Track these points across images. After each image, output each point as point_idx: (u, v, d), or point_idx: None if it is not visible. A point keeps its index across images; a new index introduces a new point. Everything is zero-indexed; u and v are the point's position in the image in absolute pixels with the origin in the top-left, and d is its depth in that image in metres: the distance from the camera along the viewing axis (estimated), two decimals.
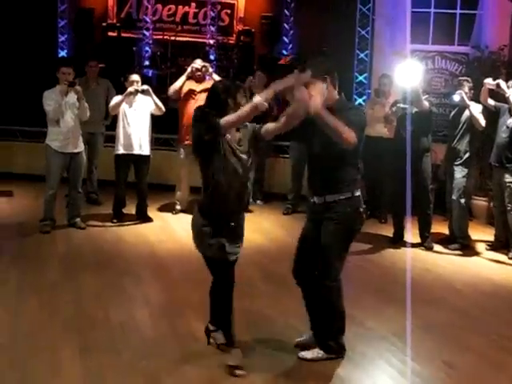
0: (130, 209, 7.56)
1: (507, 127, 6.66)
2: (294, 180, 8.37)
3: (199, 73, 7.68)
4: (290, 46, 12.82)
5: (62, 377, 3.74)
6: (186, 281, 5.53)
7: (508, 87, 6.60)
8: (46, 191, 6.81)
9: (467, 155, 6.87)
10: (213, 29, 12.88)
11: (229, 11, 13.28)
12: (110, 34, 12.68)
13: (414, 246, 6.94)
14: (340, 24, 10.48)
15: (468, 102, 6.75)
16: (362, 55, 9.96)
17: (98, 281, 5.41)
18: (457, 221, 7.01)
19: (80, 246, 6.45)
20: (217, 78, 7.77)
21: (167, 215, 7.84)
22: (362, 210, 4.00)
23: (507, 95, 6.56)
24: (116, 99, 7.21)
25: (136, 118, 7.21)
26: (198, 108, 3.95)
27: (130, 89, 7.11)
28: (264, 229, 7.46)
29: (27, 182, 8.73)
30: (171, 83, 8.09)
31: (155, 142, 8.98)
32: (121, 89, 7.41)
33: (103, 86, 8.20)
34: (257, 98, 3.73)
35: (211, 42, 12.78)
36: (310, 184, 4.13)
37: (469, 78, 7.05)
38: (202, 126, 3.76)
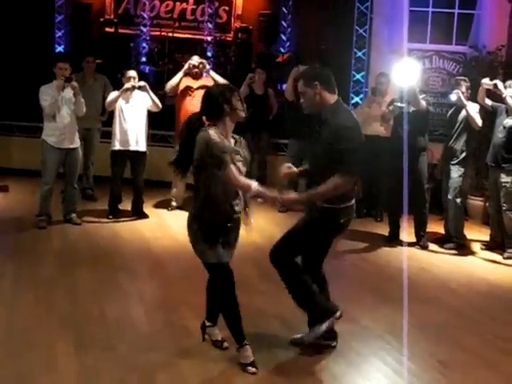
0: (126, 205, 7.54)
1: (504, 127, 6.68)
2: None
3: (196, 69, 7.67)
4: (288, 43, 12.81)
5: (57, 372, 3.74)
6: (182, 277, 5.53)
7: (505, 87, 6.61)
8: (41, 186, 6.80)
9: (464, 155, 6.88)
10: (210, 26, 12.87)
11: (227, 8, 13.27)
12: (108, 29, 12.67)
13: (409, 244, 6.93)
14: (338, 22, 10.48)
15: (465, 101, 6.76)
16: (359, 54, 9.95)
17: (94, 276, 5.40)
18: (452, 220, 7.02)
19: (76, 241, 6.45)
20: (214, 74, 7.77)
21: (163, 212, 7.84)
22: (342, 221, 3.99)
23: (504, 96, 6.57)
24: (113, 95, 7.19)
25: (132, 114, 7.19)
26: (196, 118, 3.85)
27: (127, 85, 7.10)
28: (259, 226, 7.44)
29: (23, 177, 8.71)
30: (168, 80, 8.07)
31: (152, 139, 8.97)
32: (117, 85, 7.39)
33: (100, 82, 8.17)
34: (255, 186, 3.74)
35: (209, 38, 12.77)
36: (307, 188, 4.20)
37: (466, 78, 7.05)
38: (206, 154, 3.65)
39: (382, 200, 8.02)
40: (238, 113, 3.83)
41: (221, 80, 7.64)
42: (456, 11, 9.43)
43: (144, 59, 12.63)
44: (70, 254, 6.05)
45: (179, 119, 7.65)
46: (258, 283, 5.44)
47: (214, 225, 3.81)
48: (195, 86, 7.61)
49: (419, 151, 6.82)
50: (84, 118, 7.06)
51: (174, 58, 11.88)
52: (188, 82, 7.67)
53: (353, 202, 4.07)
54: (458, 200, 6.91)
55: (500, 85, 6.62)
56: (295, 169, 4.22)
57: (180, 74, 7.70)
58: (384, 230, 7.36)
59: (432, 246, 7.02)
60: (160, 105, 7.32)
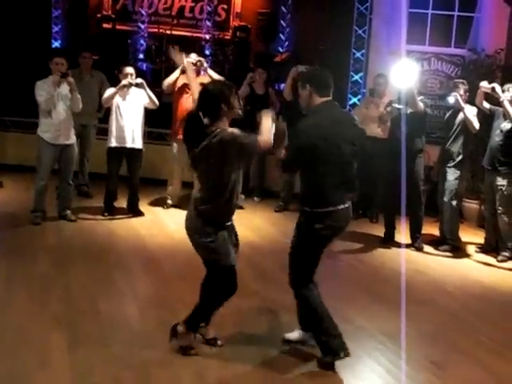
0: (122, 202, 7.52)
1: (501, 131, 6.68)
2: (286, 178, 8.36)
3: (194, 67, 7.63)
4: (286, 43, 12.79)
5: (50, 369, 3.72)
6: (177, 275, 5.52)
7: (503, 91, 6.62)
8: (36, 182, 6.77)
9: (460, 157, 6.88)
10: (209, 24, 12.85)
11: (225, 6, 13.26)
12: (105, 25, 12.63)
13: (404, 246, 6.94)
14: (337, 22, 10.47)
15: (463, 104, 6.76)
16: (358, 54, 9.94)
17: (89, 274, 5.38)
18: (448, 222, 7.02)
19: (70, 238, 6.42)
20: (211, 73, 7.75)
21: (158, 209, 7.82)
22: (317, 227, 3.93)
23: (501, 99, 6.57)
24: (109, 91, 7.16)
25: (129, 111, 7.16)
26: (194, 115, 3.82)
27: (124, 81, 7.07)
28: (255, 226, 7.45)
29: (18, 173, 8.67)
30: (165, 77, 8.05)
31: (148, 136, 8.94)
32: (114, 81, 7.36)
33: (97, 78, 8.14)
34: (263, 137, 3.76)
35: (207, 36, 12.75)
36: None
37: (464, 81, 7.05)
38: (235, 151, 3.69)
39: (377, 201, 8.02)
40: (234, 111, 3.83)
41: (218, 78, 7.62)
42: (455, 14, 9.44)
43: (141, 56, 12.60)
44: (65, 250, 6.02)
45: (176, 117, 7.63)
46: (253, 282, 5.43)
47: (224, 223, 3.84)
48: None
49: (416, 153, 6.82)
50: (80, 114, 7.02)
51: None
52: (185, 79, 7.63)
53: (334, 208, 3.94)
54: (454, 202, 6.91)
55: (498, 88, 6.62)
56: None
57: (177, 72, 7.67)
58: (379, 231, 7.36)
59: (427, 248, 7.03)
60: (157, 102, 7.30)
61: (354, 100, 9.97)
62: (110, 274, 5.40)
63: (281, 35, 12.78)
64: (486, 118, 7.00)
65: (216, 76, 7.68)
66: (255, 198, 8.71)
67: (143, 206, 7.66)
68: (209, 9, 12.86)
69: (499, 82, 7.05)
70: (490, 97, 6.82)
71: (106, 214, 7.28)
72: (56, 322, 4.36)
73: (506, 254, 6.77)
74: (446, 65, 9.43)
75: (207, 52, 12.35)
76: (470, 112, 6.75)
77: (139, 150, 7.28)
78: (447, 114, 7.13)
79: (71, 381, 3.63)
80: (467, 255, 6.98)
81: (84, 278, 5.29)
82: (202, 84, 7.50)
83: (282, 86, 9.43)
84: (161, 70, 11.36)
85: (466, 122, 6.76)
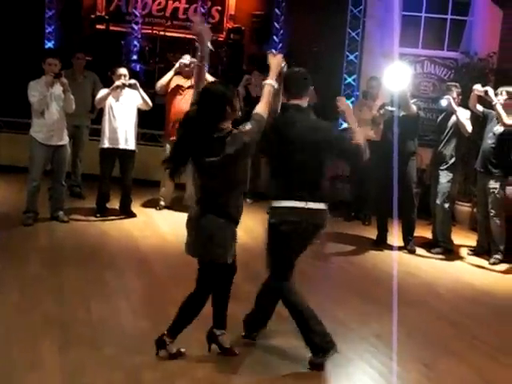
0: (114, 204, 7.50)
1: (494, 134, 6.71)
2: None
3: (187, 68, 7.64)
4: (280, 45, 12.77)
5: (41, 370, 3.70)
6: (169, 276, 5.50)
7: (496, 95, 6.64)
8: (28, 183, 6.74)
9: (453, 160, 6.90)
10: None
11: (219, 8, 13.25)
12: (99, 26, 12.60)
13: (397, 248, 6.95)
14: (331, 25, 10.47)
15: (455, 107, 6.78)
16: (351, 57, 9.96)
17: (81, 275, 5.36)
18: (440, 225, 7.04)
19: (63, 239, 6.40)
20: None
21: (151, 211, 7.80)
22: (272, 221, 4.04)
23: (494, 103, 6.60)
24: (103, 92, 7.15)
25: (122, 112, 7.15)
26: (192, 117, 3.73)
27: (117, 82, 7.06)
28: (248, 227, 7.41)
29: (11, 174, 8.63)
30: (159, 78, 8.04)
31: (141, 138, 8.92)
32: (108, 82, 7.35)
33: (90, 79, 8.12)
34: (268, 81, 3.78)
35: None
36: None
37: (457, 84, 7.08)
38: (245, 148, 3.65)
39: (370, 203, 8.03)
40: (236, 113, 3.79)
41: (212, 80, 7.61)
42: (449, 17, 9.48)
43: (135, 57, 12.57)
44: (57, 251, 6.00)
45: (169, 118, 7.63)
46: (245, 284, 5.41)
47: (238, 220, 3.85)
48: (186, 86, 7.59)
49: (408, 156, 6.84)
50: (73, 115, 7.00)
51: (165, 56, 11.83)
52: (179, 81, 7.64)
53: (287, 203, 3.98)
54: (446, 205, 6.93)
55: (491, 92, 6.65)
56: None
57: (171, 73, 7.67)
58: (372, 233, 7.37)
59: (419, 251, 7.04)
60: (150, 103, 7.29)
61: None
62: (102, 275, 5.39)
63: (274, 37, 12.76)
64: (479, 121, 7.02)
65: (210, 77, 7.66)
66: (248, 200, 8.69)
67: (136, 208, 7.64)
68: (203, 10, 12.84)
69: (492, 86, 7.07)
70: (483, 100, 6.84)
71: (98, 215, 7.26)
72: (47, 323, 4.34)
73: (498, 256, 6.79)
74: (439, 68, 9.46)
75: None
76: (463, 115, 6.77)
77: (132, 151, 7.26)
78: (440, 117, 7.14)
79: (62, 382, 3.61)
80: (459, 258, 6.99)
81: (76, 279, 5.27)
82: (193, 86, 7.64)
83: None
84: (154, 71, 11.35)
85: (458, 124, 6.78)
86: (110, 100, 7.11)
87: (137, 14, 12.71)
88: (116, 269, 5.63)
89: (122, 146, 7.15)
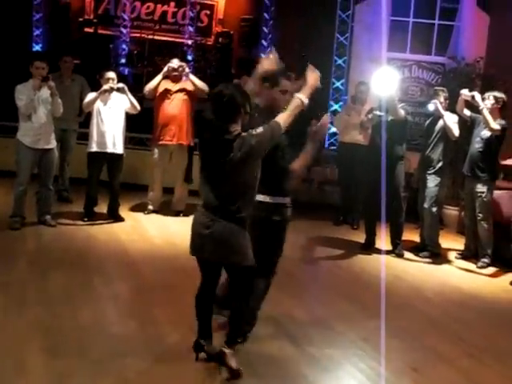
0: (102, 208, 7.47)
1: (481, 138, 6.74)
2: None
3: (176, 72, 7.63)
4: (269, 49, 12.79)
5: (27, 376, 3.66)
6: (156, 281, 5.48)
7: (483, 99, 6.68)
8: (15, 187, 6.69)
9: (440, 164, 6.93)
10: (191, 29, 12.83)
11: (208, 12, 13.25)
12: (87, 29, 12.54)
13: (385, 252, 6.97)
14: (319, 29, 10.52)
15: (442, 111, 6.81)
16: (339, 61, 10.01)
17: (68, 279, 5.32)
18: (428, 229, 7.07)
19: (50, 243, 6.36)
20: (193, 78, 7.73)
21: (139, 215, 7.77)
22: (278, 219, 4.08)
23: (481, 108, 6.63)
24: (90, 96, 7.12)
25: (110, 115, 7.12)
26: (209, 119, 3.70)
27: (105, 86, 7.03)
28: None
29: None
30: (147, 82, 8.02)
31: (129, 141, 8.90)
32: (96, 86, 7.32)
33: (77, 83, 8.09)
34: (300, 95, 3.75)
35: (189, 42, 12.72)
36: None
37: (444, 88, 7.12)
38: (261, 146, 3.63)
39: (358, 207, 8.05)
40: (246, 117, 3.77)
41: (200, 84, 7.62)
42: (436, 22, 9.55)
43: (123, 61, 12.52)
44: (44, 255, 5.96)
45: (157, 122, 7.61)
46: None
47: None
48: (174, 90, 7.58)
49: (396, 160, 6.86)
50: (61, 118, 6.97)
51: (153, 60, 11.81)
52: (167, 84, 7.63)
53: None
54: (434, 209, 6.96)
55: (478, 96, 6.68)
56: None
57: (159, 77, 7.66)
58: (360, 237, 7.39)
59: (407, 255, 7.07)
60: (138, 107, 7.27)
61: (336, 107, 10.03)
62: (89, 280, 5.35)
63: (263, 41, 12.79)
64: (466, 126, 7.06)
65: (198, 82, 7.67)
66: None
67: (124, 212, 7.61)
68: (191, 14, 12.84)
69: (479, 90, 7.12)
70: (471, 104, 6.88)
71: (86, 220, 7.22)
72: (34, 327, 4.30)
73: (486, 260, 6.82)
74: (427, 72, 9.52)
75: (189, 57, 12.32)
76: (450, 119, 6.81)
77: (120, 155, 7.24)
78: (427, 122, 7.18)
79: None
80: (447, 261, 7.02)
81: (63, 283, 5.23)
82: (183, 90, 7.64)
83: None
84: (142, 75, 11.33)
85: (445, 129, 6.82)
86: (98, 104, 7.08)
87: (125, 17, 12.67)
88: (103, 273, 5.60)
89: (109, 149, 7.12)
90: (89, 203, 7.31)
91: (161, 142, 7.60)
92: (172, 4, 13.09)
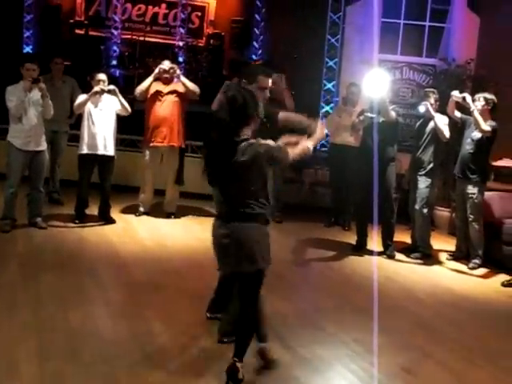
0: (93, 210, 7.44)
1: (472, 140, 6.76)
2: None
3: (167, 74, 7.61)
4: (260, 51, 12.82)
5: (18, 378, 3.65)
6: (148, 283, 5.46)
7: (474, 101, 6.70)
8: (5, 189, 6.66)
9: (431, 166, 6.95)
10: (182, 31, 12.82)
11: (199, 14, 13.28)
12: (78, 31, 12.54)
13: (376, 254, 6.98)
14: (310, 31, 10.53)
15: (433, 113, 6.83)
16: (331, 63, 10.02)
17: (59, 282, 5.30)
18: (419, 230, 7.08)
19: (40, 246, 6.32)
20: (185, 80, 7.71)
21: (130, 217, 7.74)
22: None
23: (472, 109, 6.65)
24: (81, 98, 7.10)
25: (101, 117, 7.10)
26: (222, 121, 3.72)
27: (96, 88, 7.01)
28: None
29: None
30: (138, 84, 8.00)
31: (120, 143, 8.88)
32: (87, 87, 7.30)
33: (68, 84, 8.05)
34: (309, 143, 3.90)
35: (180, 43, 12.72)
36: None
37: (435, 90, 7.13)
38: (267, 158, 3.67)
39: (350, 209, 8.06)
40: (257, 120, 3.81)
41: (191, 86, 7.61)
42: (427, 24, 9.57)
43: (114, 62, 12.52)
44: (35, 258, 5.93)
45: (148, 124, 7.59)
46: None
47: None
48: (165, 91, 7.56)
49: (388, 161, 6.87)
50: (51, 120, 6.94)
51: (144, 62, 11.80)
52: (158, 86, 7.61)
53: None
54: (425, 210, 6.97)
55: (468, 98, 6.70)
56: None
57: (150, 79, 7.64)
58: (352, 238, 7.39)
59: (399, 256, 7.08)
60: (129, 109, 7.25)
61: (327, 108, 10.04)
62: (80, 282, 5.33)
63: (254, 43, 12.80)
64: (457, 127, 7.09)
65: (189, 83, 7.65)
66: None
67: (115, 214, 7.58)
68: (182, 16, 12.84)
69: (469, 92, 7.15)
70: (461, 106, 6.90)
71: (77, 222, 7.19)
72: (25, 330, 4.28)
73: (477, 261, 6.84)
74: (418, 74, 9.55)
75: (180, 59, 12.31)
76: (441, 121, 6.83)
77: (111, 157, 7.21)
78: (418, 123, 7.19)
79: None
80: (438, 262, 7.04)
81: (54, 285, 5.21)
82: (174, 91, 7.63)
83: None
84: (133, 77, 11.30)
85: (436, 130, 6.84)
86: (89, 106, 7.06)
87: (116, 19, 12.66)
88: (95, 275, 5.58)
89: (100, 151, 7.10)
90: (80, 205, 7.28)
91: (152, 144, 7.59)
92: (163, 6, 13.11)
